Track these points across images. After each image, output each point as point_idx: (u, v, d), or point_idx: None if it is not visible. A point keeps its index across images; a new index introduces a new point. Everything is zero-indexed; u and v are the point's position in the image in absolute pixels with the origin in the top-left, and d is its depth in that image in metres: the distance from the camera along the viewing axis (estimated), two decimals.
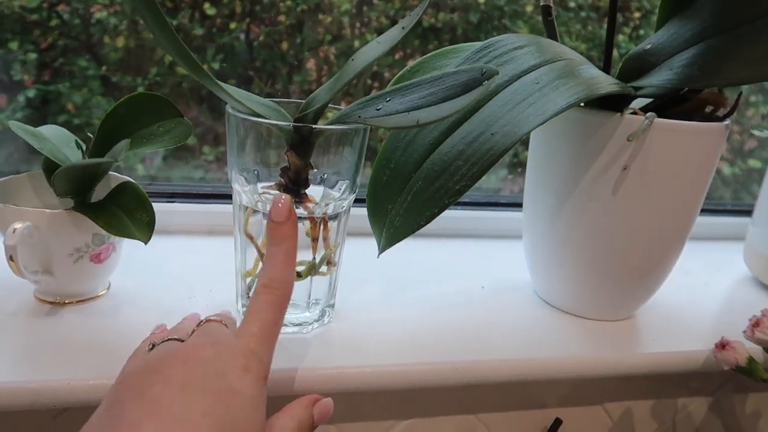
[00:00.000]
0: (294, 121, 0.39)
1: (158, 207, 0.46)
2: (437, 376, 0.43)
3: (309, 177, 0.40)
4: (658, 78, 0.45)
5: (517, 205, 0.71)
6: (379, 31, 0.83)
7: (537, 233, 0.52)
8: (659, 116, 0.43)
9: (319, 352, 0.42)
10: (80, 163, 0.40)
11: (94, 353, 0.39)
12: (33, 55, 0.71)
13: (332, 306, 0.47)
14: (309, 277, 0.43)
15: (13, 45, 0.70)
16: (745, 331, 0.46)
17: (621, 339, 0.49)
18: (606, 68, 0.49)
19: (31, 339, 0.40)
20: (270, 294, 0.33)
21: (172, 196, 0.62)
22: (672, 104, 0.49)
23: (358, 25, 0.84)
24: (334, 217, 0.43)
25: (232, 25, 0.78)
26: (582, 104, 0.48)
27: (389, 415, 0.48)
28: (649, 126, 0.42)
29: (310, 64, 0.82)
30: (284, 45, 0.80)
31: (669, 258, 0.50)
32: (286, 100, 0.44)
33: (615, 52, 0.50)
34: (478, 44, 0.46)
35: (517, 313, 0.52)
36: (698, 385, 0.55)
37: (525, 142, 0.50)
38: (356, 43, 0.84)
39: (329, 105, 0.42)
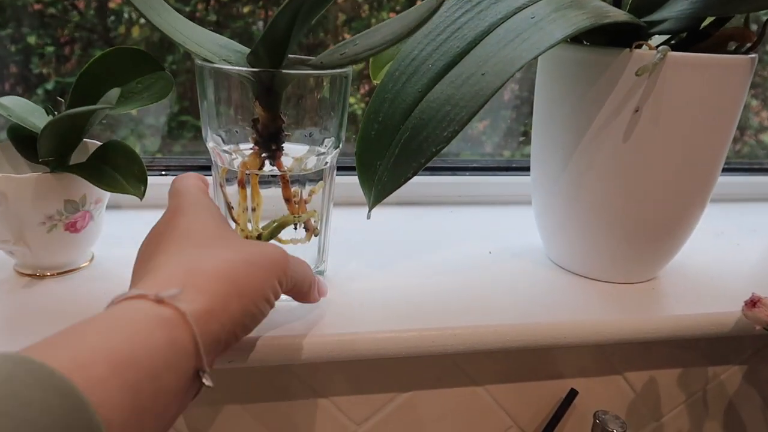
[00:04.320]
0: (248, 62, 0.35)
1: (151, 180, 0.44)
2: (435, 343, 0.40)
3: (286, 133, 0.38)
4: (673, 9, 0.41)
5: (527, 170, 0.67)
6: (395, 10, 0.80)
7: (545, 192, 0.48)
8: None
9: (309, 320, 0.40)
10: (74, 111, 0.37)
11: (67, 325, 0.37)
12: (51, 49, 0.70)
13: (322, 273, 0.44)
14: (292, 243, 0.40)
15: (32, 39, 0.69)
16: None
17: (642, 302, 0.45)
18: (616, 1, 0.44)
19: (8, 313, 0.38)
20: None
21: (166, 169, 0.60)
22: (692, 41, 0.44)
23: (374, 3, 0.81)
24: (317, 178, 0.40)
25: (246, 10, 0.76)
26: (588, 43, 0.44)
27: (388, 387, 0.45)
28: (661, 60, 0.38)
29: (330, 47, 0.80)
30: None
31: (691, 213, 0.45)
32: None
33: None
34: None
35: (526, 278, 0.48)
36: (730, 351, 0.51)
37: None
38: (373, 23, 0.82)
39: (305, 57, 0.39)
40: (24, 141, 0.43)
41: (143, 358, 0.23)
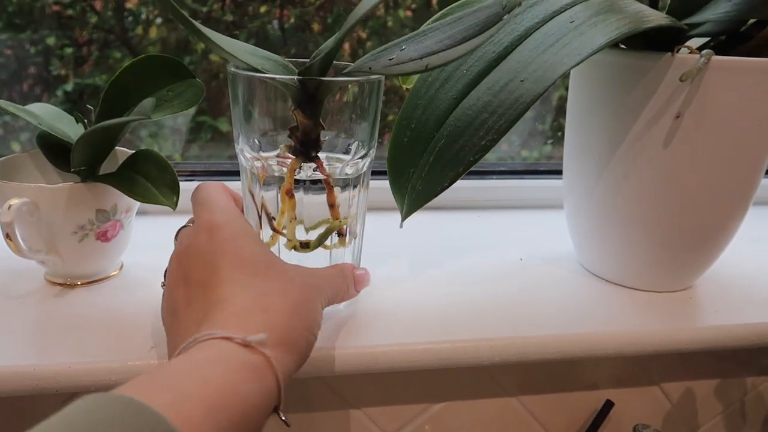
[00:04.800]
0: (299, 75, 0.35)
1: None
2: (471, 354, 0.39)
3: (321, 138, 0.37)
4: (715, 11, 0.40)
5: (558, 173, 0.66)
6: (411, 8, 0.79)
7: (579, 197, 0.47)
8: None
9: (341, 331, 0.39)
10: (110, 123, 0.37)
11: (101, 335, 0.37)
12: (69, 50, 0.71)
13: None
14: (334, 248, 0.39)
15: (50, 41, 0.70)
16: None
17: (678, 311, 0.44)
18: (653, 4, 0.43)
19: (39, 322, 0.38)
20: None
21: (192, 174, 0.59)
22: (732, 44, 0.43)
23: (390, 2, 0.80)
24: (355, 182, 0.39)
25: (263, 9, 0.76)
26: (624, 47, 0.43)
27: (421, 398, 0.44)
28: (705, 64, 0.37)
29: (346, 47, 0.79)
30: (315, 26, 0.78)
31: (731, 220, 0.44)
32: (302, 59, 0.40)
33: None
34: None
35: (559, 286, 0.47)
36: None
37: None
38: (389, 21, 0.81)
39: (341, 63, 0.39)
40: (53, 148, 0.43)
41: (235, 402, 0.24)
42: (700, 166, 0.40)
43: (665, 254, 0.44)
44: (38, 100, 0.72)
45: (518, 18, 0.39)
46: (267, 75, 0.35)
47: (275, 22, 0.76)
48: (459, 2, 0.47)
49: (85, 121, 0.42)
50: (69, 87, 0.72)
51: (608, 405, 0.45)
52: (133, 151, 0.41)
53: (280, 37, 0.76)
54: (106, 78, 0.73)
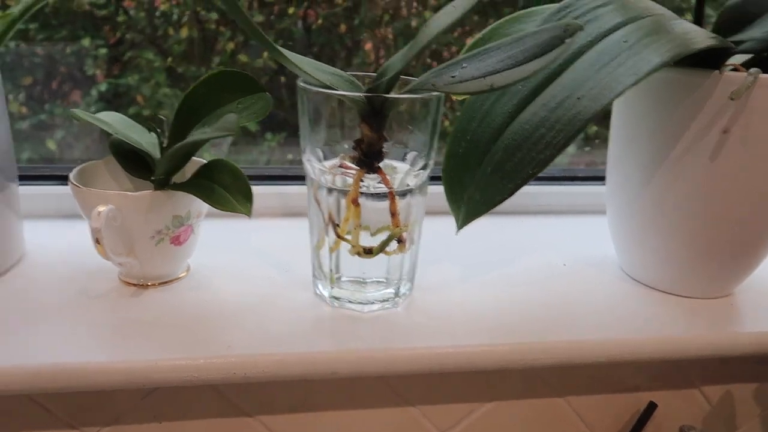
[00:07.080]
0: (366, 92, 0.38)
1: None
2: (524, 357, 0.41)
3: (384, 150, 0.39)
4: (762, 29, 0.41)
5: (596, 179, 0.67)
6: (437, 9, 0.81)
7: (623, 205, 0.49)
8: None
9: (400, 332, 0.41)
10: (200, 138, 0.39)
11: (179, 333, 0.40)
12: (103, 51, 0.73)
13: (411, 282, 0.45)
14: (394, 254, 0.42)
15: (85, 41, 0.72)
16: None
17: (719, 317, 0.46)
18: (698, 22, 0.45)
19: (119, 321, 0.41)
20: None
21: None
22: None
23: (415, 3, 0.82)
24: (415, 191, 0.42)
25: (290, 10, 0.78)
26: (672, 63, 0.45)
27: (471, 397, 0.46)
28: (753, 82, 0.39)
29: (368, 45, 0.81)
30: (342, 27, 0.80)
31: None
32: (360, 73, 0.42)
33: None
34: (555, 6, 0.43)
35: (602, 291, 0.49)
36: None
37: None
38: (414, 22, 0.83)
39: (402, 76, 0.41)
40: (126, 156, 0.46)
41: None
42: (745, 179, 0.42)
43: (707, 263, 0.46)
44: (69, 98, 0.74)
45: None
46: (338, 92, 0.37)
47: (299, 23, 0.78)
48: (509, 17, 0.49)
49: (158, 130, 0.45)
50: (102, 87, 0.75)
51: (651, 406, 0.47)
52: (206, 161, 0.44)
53: (304, 37, 0.78)
54: (138, 77, 0.75)
